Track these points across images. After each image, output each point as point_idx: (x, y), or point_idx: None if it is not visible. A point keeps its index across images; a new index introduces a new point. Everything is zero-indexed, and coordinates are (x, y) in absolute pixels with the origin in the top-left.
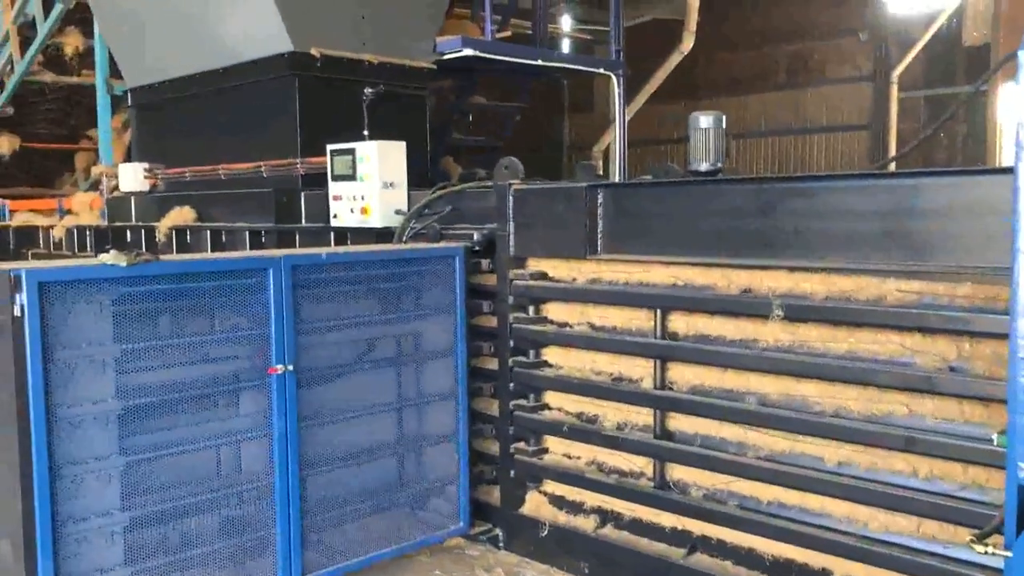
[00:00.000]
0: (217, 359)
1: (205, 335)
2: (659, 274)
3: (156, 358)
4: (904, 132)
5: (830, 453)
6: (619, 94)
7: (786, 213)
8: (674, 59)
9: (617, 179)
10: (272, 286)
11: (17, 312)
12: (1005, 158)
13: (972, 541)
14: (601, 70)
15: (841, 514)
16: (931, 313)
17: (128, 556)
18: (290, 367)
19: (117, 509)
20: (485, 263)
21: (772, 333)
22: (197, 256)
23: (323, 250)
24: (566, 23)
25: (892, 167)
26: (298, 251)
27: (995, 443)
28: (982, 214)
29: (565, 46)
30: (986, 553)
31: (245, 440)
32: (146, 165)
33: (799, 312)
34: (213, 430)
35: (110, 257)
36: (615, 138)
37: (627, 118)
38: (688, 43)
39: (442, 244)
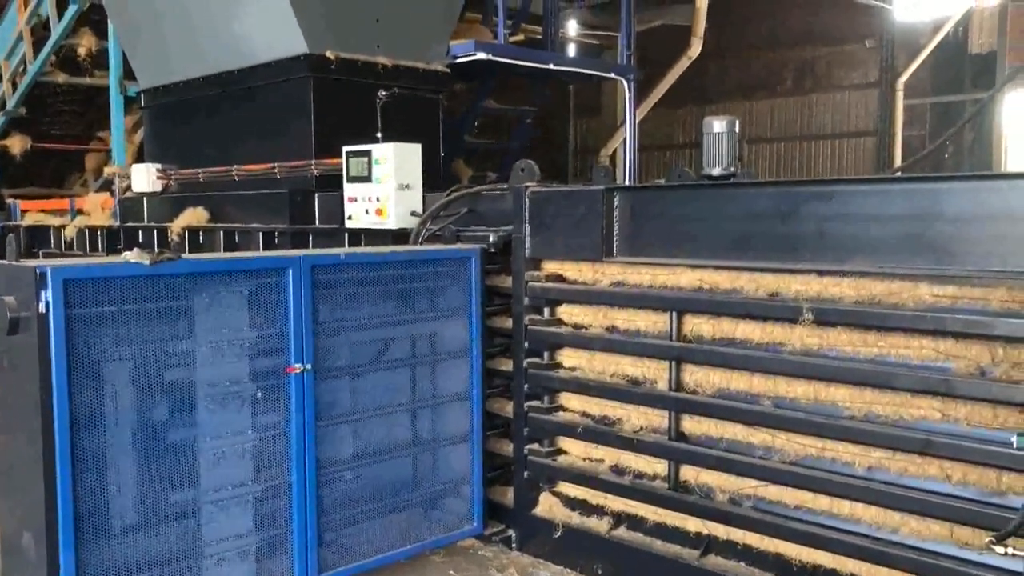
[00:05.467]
0: (235, 358)
1: (226, 333)
2: (685, 277)
3: (178, 357)
4: (910, 139)
5: (860, 458)
6: (629, 99)
7: (809, 217)
8: (682, 64)
9: (627, 183)
10: (291, 285)
11: (42, 309)
12: (1011, 164)
13: (991, 543)
14: (612, 75)
15: (871, 519)
16: (967, 318)
17: (144, 557)
18: (308, 366)
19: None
20: (501, 265)
21: (800, 337)
22: (218, 255)
23: (341, 250)
24: (572, 28)
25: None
26: (317, 251)
27: (1014, 445)
28: (1014, 219)
29: (571, 51)
30: (1006, 554)
31: (260, 439)
32: (159, 166)
33: (829, 316)
34: (229, 428)
35: (133, 255)
36: (625, 143)
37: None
38: (696, 49)
39: (458, 246)
